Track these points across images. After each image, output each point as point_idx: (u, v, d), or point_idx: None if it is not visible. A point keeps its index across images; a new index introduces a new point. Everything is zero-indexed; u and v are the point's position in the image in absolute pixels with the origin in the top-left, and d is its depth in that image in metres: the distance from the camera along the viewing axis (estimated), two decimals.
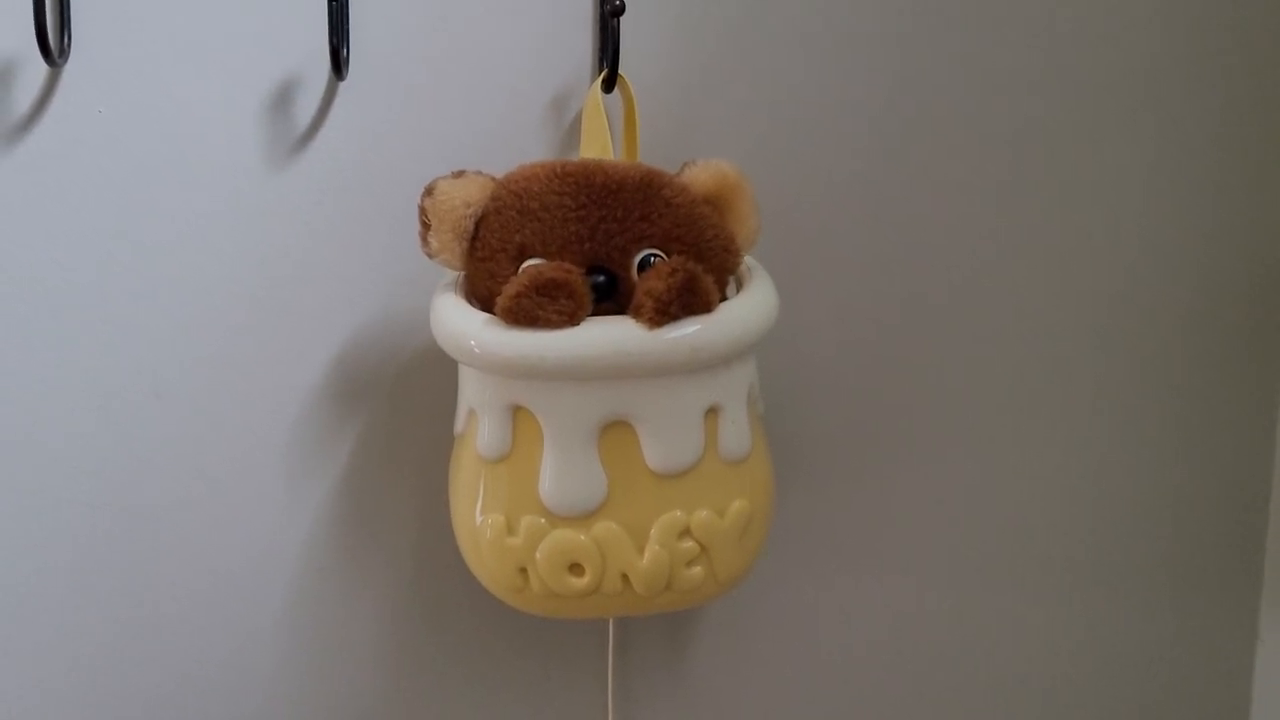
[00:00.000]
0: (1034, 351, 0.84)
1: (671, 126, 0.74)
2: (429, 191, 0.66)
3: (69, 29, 0.70)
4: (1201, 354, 0.87)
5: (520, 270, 0.65)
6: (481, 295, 0.67)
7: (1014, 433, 0.85)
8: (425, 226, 0.67)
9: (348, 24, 0.71)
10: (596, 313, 0.64)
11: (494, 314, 0.64)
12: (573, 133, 0.75)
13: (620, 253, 0.65)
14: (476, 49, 0.74)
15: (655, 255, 0.65)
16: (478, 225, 0.67)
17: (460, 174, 0.67)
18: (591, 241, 0.65)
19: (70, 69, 0.70)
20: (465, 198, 0.66)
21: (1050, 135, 0.81)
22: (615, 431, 0.65)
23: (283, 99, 0.72)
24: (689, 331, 0.64)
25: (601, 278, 0.65)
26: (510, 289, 0.63)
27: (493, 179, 0.68)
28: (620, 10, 0.71)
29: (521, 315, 0.63)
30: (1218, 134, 0.83)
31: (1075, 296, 0.84)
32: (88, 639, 0.77)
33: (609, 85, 0.73)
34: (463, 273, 0.69)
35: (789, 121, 0.78)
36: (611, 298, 0.65)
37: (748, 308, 0.67)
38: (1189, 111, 0.83)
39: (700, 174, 0.67)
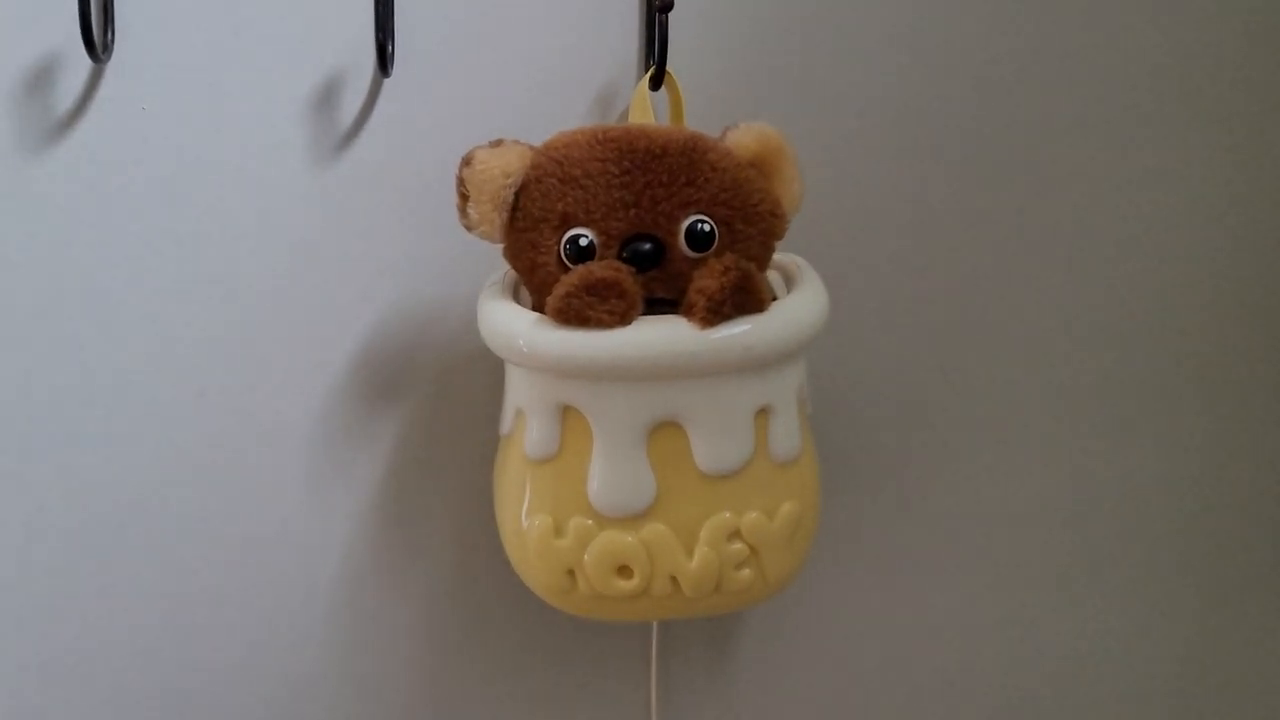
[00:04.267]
0: (1084, 353, 0.83)
1: (719, 124, 0.73)
2: (467, 161, 0.65)
3: (113, 25, 0.69)
4: (1240, 353, 0.86)
5: (563, 250, 0.64)
6: (523, 268, 0.66)
7: (1064, 436, 0.84)
8: (463, 198, 0.65)
9: (394, 19, 0.71)
10: (645, 284, 0.63)
11: (538, 306, 0.64)
12: None
13: (666, 219, 0.64)
14: (522, 45, 0.73)
15: (702, 221, 0.64)
16: (517, 195, 0.65)
17: (498, 143, 0.66)
18: (637, 208, 0.64)
19: (114, 65, 0.70)
20: (504, 167, 0.65)
21: (1097, 131, 0.80)
22: (665, 432, 0.64)
23: (328, 95, 0.72)
24: (742, 330, 0.63)
25: (648, 245, 0.64)
26: (560, 289, 0.63)
27: (531, 148, 0.66)
28: (669, 6, 0.71)
29: (572, 315, 0.62)
30: (1255, 132, 0.82)
31: (1126, 299, 0.83)
32: (127, 638, 0.77)
33: (656, 82, 0.73)
34: (504, 250, 0.67)
35: (838, 120, 0.77)
36: (659, 265, 0.64)
37: (800, 307, 0.66)
38: (1226, 109, 0.82)
39: (743, 137, 0.66)
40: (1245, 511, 0.88)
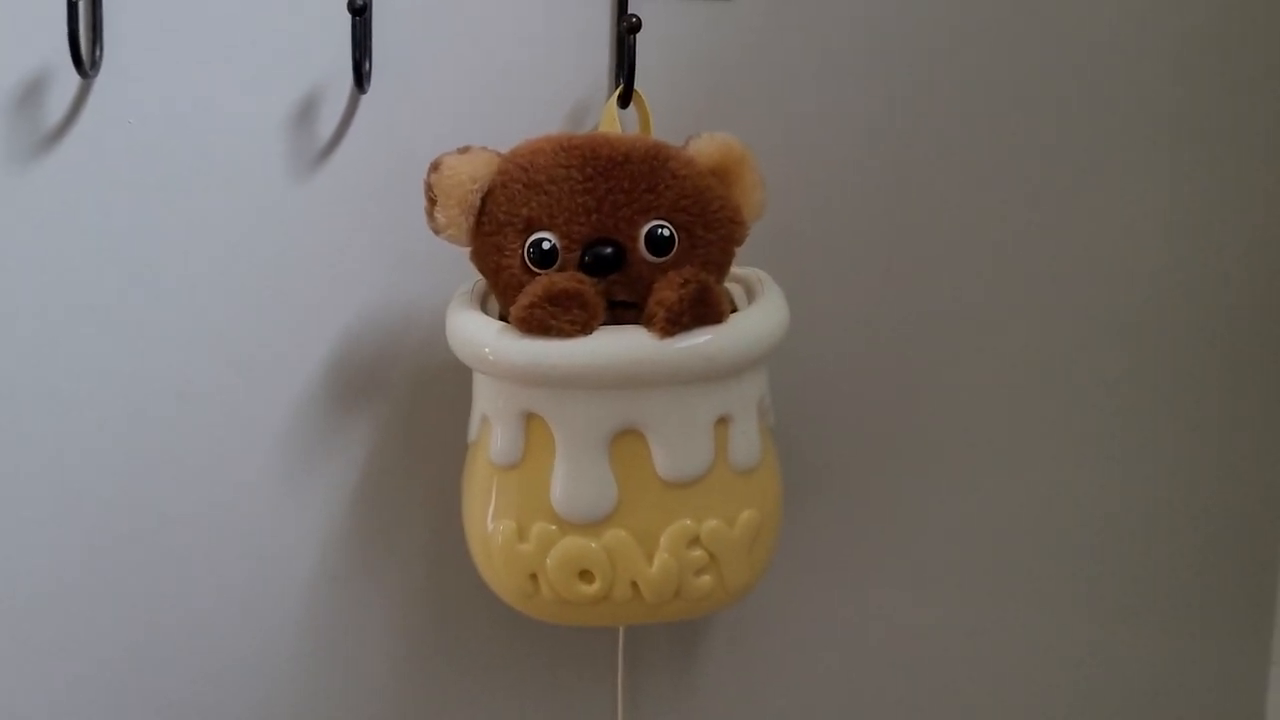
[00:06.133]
0: (1048, 366, 0.84)
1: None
2: (435, 167, 0.66)
3: (100, 42, 0.71)
4: (1219, 376, 0.86)
5: (527, 254, 0.66)
6: (489, 271, 0.68)
7: (1026, 447, 0.85)
8: (431, 202, 0.67)
9: (370, 39, 0.73)
10: (607, 288, 0.65)
11: (504, 308, 0.65)
12: None
13: (627, 224, 0.66)
14: (495, 64, 0.75)
15: (662, 226, 0.66)
16: (484, 200, 0.67)
17: (466, 149, 0.67)
18: (599, 213, 0.66)
19: (101, 81, 0.72)
20: (471, 173, 0.66)
21: (1068, 144, 0.81)
22: (626, 440, 0.66)
23: (306, 111, 0.74)
24: (702, 341, 0.64)
25: (609, 249, 0.65)
26: (523, 299, 0.64)
27: (498, 154, 0.68)
28: (637, 27, 0.72)
29: (535, 324, 0.64)
30: (1245, 140, 0.83)
31: (1090, 311, 0.84)
32: (107, 640, 0.78)
33: (625, 101, 0.74)
34: (470, 253, 0.69)
35: (803, 137, 0.79)
36: (620, 269, 0.66)
37: (760, 318, 0.67)
38: (1215, 115, 0.82)
39: (705, 146, 0.68)
40: (1218, 524, 0.88)
